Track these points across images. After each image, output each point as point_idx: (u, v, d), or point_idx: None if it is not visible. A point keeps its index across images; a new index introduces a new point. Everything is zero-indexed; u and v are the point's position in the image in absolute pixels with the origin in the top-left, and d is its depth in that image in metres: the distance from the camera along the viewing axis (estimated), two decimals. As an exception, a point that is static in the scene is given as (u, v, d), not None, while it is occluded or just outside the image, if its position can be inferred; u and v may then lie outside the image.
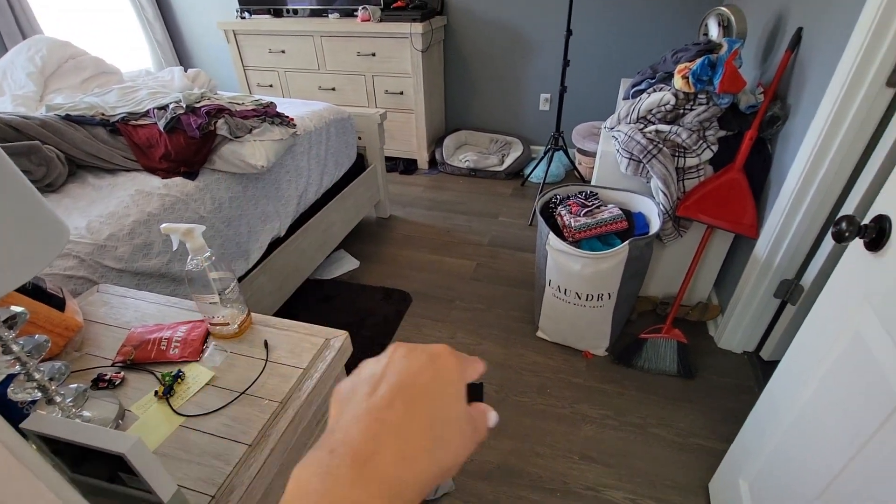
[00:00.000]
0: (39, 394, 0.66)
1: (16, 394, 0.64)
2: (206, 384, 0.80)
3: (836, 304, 0.82)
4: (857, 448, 0.69)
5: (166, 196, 1.40)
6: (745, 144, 1.52)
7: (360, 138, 2.40)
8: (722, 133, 1.60)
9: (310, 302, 2.02)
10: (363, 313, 1.95)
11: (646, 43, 2.73)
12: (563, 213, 1.66)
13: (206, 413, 0.75)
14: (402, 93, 2.98)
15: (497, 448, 1.43)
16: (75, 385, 0.72)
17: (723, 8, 1.73)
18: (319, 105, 2.14)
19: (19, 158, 1.38)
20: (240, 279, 1.61)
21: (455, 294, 2.06)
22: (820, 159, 1.29)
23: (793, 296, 1.52)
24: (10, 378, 0.65)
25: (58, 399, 0.68)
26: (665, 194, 1.59)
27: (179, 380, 0.81)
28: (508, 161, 3.10)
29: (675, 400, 1.58)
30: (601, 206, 1.67)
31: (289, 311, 1.94)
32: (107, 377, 0.81)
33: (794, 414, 0.90)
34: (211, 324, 0.89)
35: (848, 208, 1.29)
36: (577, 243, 1.59)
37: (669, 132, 1.57)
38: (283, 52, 3.10)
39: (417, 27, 2.68)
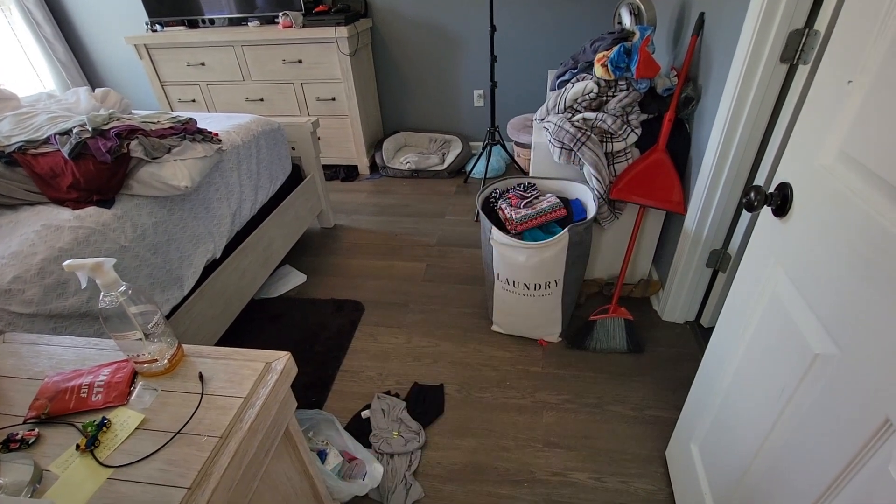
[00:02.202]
0: (-69, 468, 0.58)
1: None
2: (136, 428, 0.74)
3: (754, 268, 0.87)
4: (783, 403, 0.74)
5: (79, 228, 1.29)
6: (666, 126, 1.59)
7: (293, 149, 2.32)
8: (644, 116, 1.67)
9: (257, 323, 1.93)
10: (315, 328, 1.89)
11: (568, 35, 2.82)
12: (503, 206, 1.68)
13: (138, 460, 0.69)
14: (334, 99, 2.92)
15: (463, 447, 1.43)
16: (-22, 452, 0.65)
17: (633, -3, 1.81)
18: (246, 118, 2.05)
19: None
20: (175, 308, 1.51)
21: (408, 298, 2.04)
22: (731, 134, 1.38)
23: (722, 264, 1.62)
24: None
25: (-44, 471, 0.61)
26: (598, 179, 1.64)
27: (105, 428, 0.74)
28: (449, 159, 3.11)
29: (627, 376, 1.64)
30: (539, 196, 1.70)
31: (235, 335, 1.85)
32: (18, 436, 0.73)
33: (730, 376, 0.95)
34: (137, 362, 0.82)
35: (759, 179, 1.39)
36: (519, 235, 1.61)
37: (596, 119, 1.62)
38: (202, 64, 2.95)
39: (342, 31, 2.63)
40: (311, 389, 1.61)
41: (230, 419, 0.75)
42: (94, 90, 2.14)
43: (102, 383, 0.81)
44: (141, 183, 1.45)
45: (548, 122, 1.70)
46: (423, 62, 3.07)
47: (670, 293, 1.80)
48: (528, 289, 1.61)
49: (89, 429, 0.73)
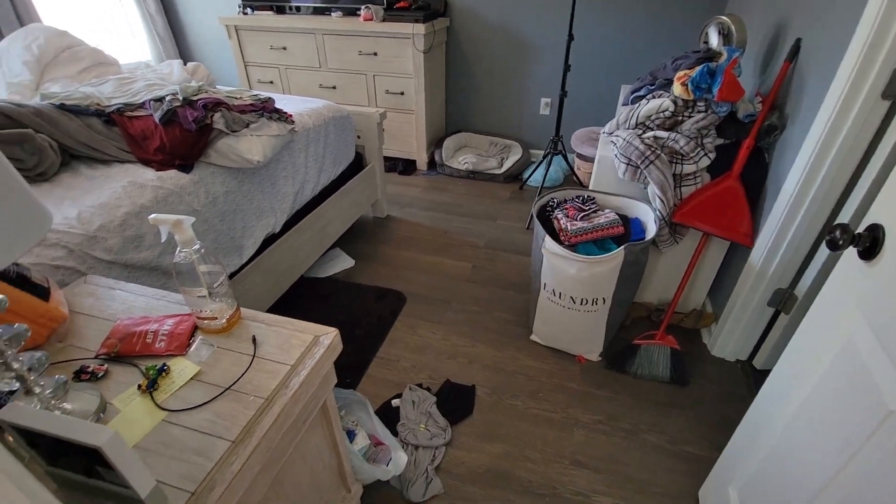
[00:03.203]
0: (17, 384, 0.65)
1: (-6, 383, 0.62)
2: (191, 379, 0.79)
3: (829, 312, 0.81)
4: (847, 457, 0.69)
5: (160, 188, 1.39)
6: (743, 153, 1.51)
7: (359, 137, 2.39)
8: (720, 141, 1.60)
9: (304, 300, 2.00)
10: (358, 313, 1.94)
11: (647, 49, 2.74)
12: (559, 216, 1.65)
13: (190, 408, 0.74)
14: (402, 93, 2.98)
15: (488, 451, 1.42)
16: (56, 376, 0.71)
17: (724, 17, 1.73)
18: (319, 103, 2.13)
19: (11, 147, 1.36)
20: (233, 275, 1.60)
21: (450, 296, 2.05)
22: (816, 169, 1.29)
23: (786, 305, 1.52)
24: (-11, 367, 0.63)
25: (37, 390, 0.67)
26: (662, 200, 1.58)
27: (164, 374, 0.79)
28: (507, 164, 3.10)
29: (667, 406, 1.57)
30: (598, 210, 1.66)
31: (282, 308, 1.93)
32: (89, 369, 0.80)
33: (785, 422, 0.89)
34: (198, 318, 0.88)
35: (843, 218, 1.29)
36: (573, 247, 1.59)
37: (667, 139, 1.57)
38: (284, 48, 3.10)
39: (420, 28, 2.68)
40: (347, 371, 1.65)
41: (277, 384, 0.78)
42: (185, 64, 2.30)
43: (166, 332, 0.87)
44: (219, 153, 1.55)
45: (616, 136, 1.66)
46: (495, 65, 3.08)
47: (724, 328, 1.71)
48: (574, 302, 1.58)
49: (151, 372, 0.78)
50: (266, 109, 1.71)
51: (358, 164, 2.39)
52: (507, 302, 2.02)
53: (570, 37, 2.30)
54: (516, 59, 3.00)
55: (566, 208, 1.68)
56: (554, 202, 1.74)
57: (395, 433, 1.42)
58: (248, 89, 1.81)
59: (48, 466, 0.61)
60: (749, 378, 1.67)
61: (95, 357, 0.83)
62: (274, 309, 1.89)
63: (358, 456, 1.17)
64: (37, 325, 0.83)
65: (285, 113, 1.79)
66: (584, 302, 1.57)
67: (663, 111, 1.60)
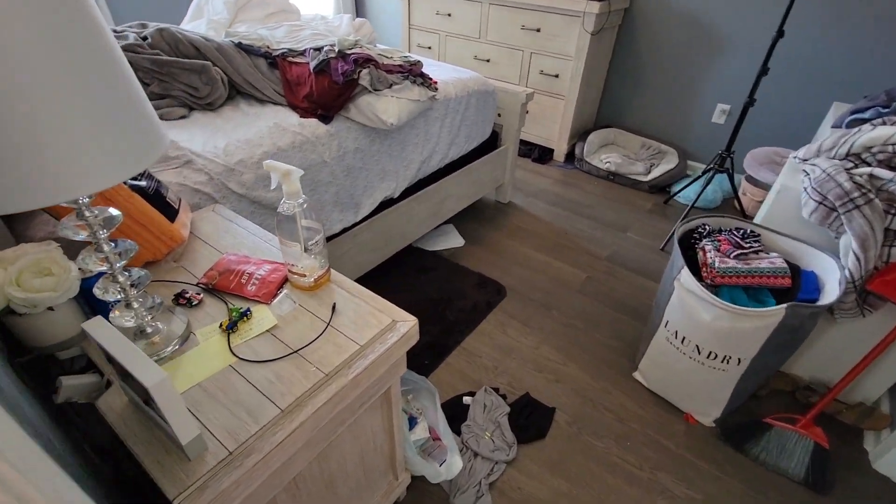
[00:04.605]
0: (121, 296, 0.69)
1: (100, 291, 0.67)
2: (267, 330, 0.79)
3: None
4: None
5: (298, 135, 1.44)
6: None
7: (499, 115, 2.28)
8: (974, 199, 1.16)
9: (405, 268, 2.00)
10: (453, 295, 1.88)
11: (881, 62, 2.14)
12: (708, 247, 1.37)
13: (257, 361, 0.73)
14: (557, 76, 2.77)
15: (551, 485, 1.27)
16: (154, 295, 0.75)
17: None
18: (467, 73, 2.06)
19: (191, 74, 1.52)
20: (345, 230, 1.64)
21: (554, 302, 1.89)
22: None
23: None
24: (100, 276, 0.68)
25: (135, 305, 0.71)
26: (858, 259, 1.22)
27: (245, 318, 0.80)
28: (656, 172, 2.74)
29: (790, 512, 1.25)
30: (760, 251, 1.35)
31: (383, 272, 1.95)
32: (187, 295, 0.84)
33: None
34: (290, 271, 0.87)
35: None
36: (715, 288, 1.31)
37: (890, 181, 1.18)
38: (449, 15, 3.07)
39: (594, 6, 2.43)
40: (427, 352, 1.62)
41: (341, 361, 0.74)
42: (353, 19, 2.39)
43: (259, 278, 0.88)
44: (358, 109, 1.56)
45: (813, 165, 1.30)
46: (670, 58, 2.69)
47: (903, 442, 1.29)
48: (700, 353, 1.32)
49: (234, 314, 0.79)
50: (412, 72, 1.68)
51: (492, 143, 2.28)
52: (617, 326, 1.79)
53: (780, 33, 1.87)
54: (699, 53, 2.58)
55: (719, 240, 1.39)
56: (705, 229, 1.45)
57: (457, 432, 1.35)
58: (401, 50, 1.80)
59: (122, 381, 0.64)
60: (924, 516, 1.26)
61: (196, 284, 0.88)
62: (375, 271, 1.92)
63: (412, 447, 1.12)
64: (158, 242, 0.90)
65: (430, 79, 1.74)
66: (713, 356, 1.30)
67: (894, 143, 1.21)
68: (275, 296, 0.86)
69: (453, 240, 2.19)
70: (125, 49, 1.47)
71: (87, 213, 0.61)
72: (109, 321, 0.70)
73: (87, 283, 0.72)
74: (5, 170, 0.45)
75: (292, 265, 0.86)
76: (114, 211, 0.65)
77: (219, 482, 0.57)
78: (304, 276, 0.86)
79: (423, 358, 1.59)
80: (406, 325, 0.82)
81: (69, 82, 0.47)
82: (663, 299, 1.41)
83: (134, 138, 0.54)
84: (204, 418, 0.64)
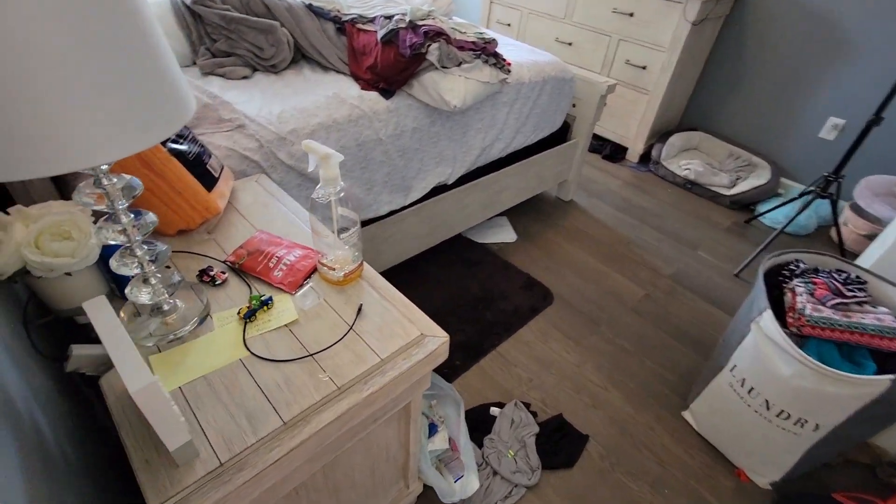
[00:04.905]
0: (138, 270, 0.65)
1: (116, 264, 0.63)
2: (286, 325, 0.73)
3: None
4: None
5: (356, 108, 1.37)
6: None
7: (574, 106, 2.10)
8: None
9: (450, 258, 1.91)
10: (496, 294, 1.77)
11: None
12: (799, 289, 1.18)
13: (269, 359, 0.67)
14: (644, 67, 2.52)
15: (572, 521, 1.17)
16: (175, 273, 0.70)
17: None
18: (545, 57, 1.89)
19: (258, 34, 1.48)
20: (392, 212, 1.56)
21: (604, 318, 1.74)
22: None
23: None
24: (117, 247, 0.64)
25: (153, 281, 0.67)
26: None
27: (266, 307, 0.74)
28: (742, 186, 2.45)
29: None
30: (866, 303, 1.14)
31: (427, 259, 1.87)
32: (212, 273, 0.79)
33: None
34: (320, 262, 0.80)
35: None
36: (801, 339, 1.13)
37: None
38: (534, -10, 2.86)
39: (699, -8, 2.16)
40: (460, 352, 1.53)
41: (357, 374, 0.67)
42: (433, -13, 2.26)
43: (288, 263, 0.82)
44: (421, 86, 1.46)
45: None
46: (780, 58, 2.36)
47: None
48: (769, 410, 1.14)
49: (254, 301, 0.74)
50: (485, 51, 1.55)
51: (561, 135, 2.11)
52: (671, 355, 1.62)
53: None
54: (817, 55, 2.24)
55: (814, 282, 1.19)
56: (798, 266, 1.25)
57: (478, 443, 1.26)
58: (476, 26, 1.66)
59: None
60: None
61: (224, 262, 0.83)
62: (418, 258, 1.84)
63: (428, 459, 1.05)
64: (193, 211, 0.86)
65: (504, 60, 1.60)
66: (785, 416, 1.12)
67: None
68: (300, 286, 0.80)
69: (505, 234, 2.07)
70: (197, 2, 1.45)
71: (104, 182, 0.56)
72: (126, 295, 0.66)
73: (108, 251, 0.68)
74: (4, 134, 0.40)
75: (323, 256, 0.79)
76: (134, 180, 0.60)
77: (202, 498, 0.52)
78: (334, 269, 0.79)
79: (453, 358, 1.51)
80: (435, 341, 0.73)
81: (75, 43, 0.40)
82: (733, 339, 1.24)
83: (152, 107, 0.48)
84: (202, 417, 0.59)
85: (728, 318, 1.79)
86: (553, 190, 2.41)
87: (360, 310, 0.76)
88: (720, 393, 1.28)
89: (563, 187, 2.34)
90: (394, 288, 0.82)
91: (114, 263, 0.62)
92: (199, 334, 0.70)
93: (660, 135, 2.74)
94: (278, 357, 0.68)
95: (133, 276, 0.67)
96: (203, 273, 0.79)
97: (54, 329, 0.75)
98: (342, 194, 0.74)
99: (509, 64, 1.66)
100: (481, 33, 1.58)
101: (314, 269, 0.83)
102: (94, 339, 0.73)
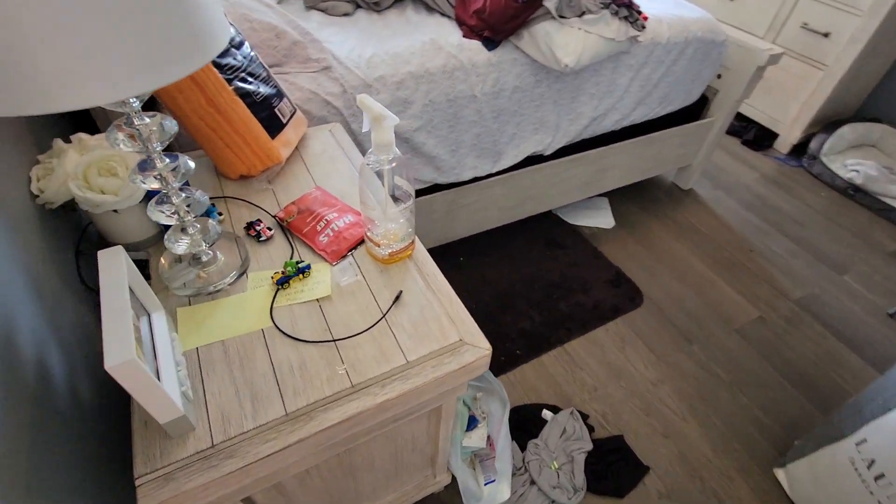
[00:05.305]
0: (175, 218, 0.61)
1: (151, 212, 0.60)
2: (316, 300, 0.66)
3: None
4: None
5: (453, 58, 1.22)
6: None
7: (719, 77, 1.74)
8: None
9: (532, 236, 1.75)
10: (577, 283, 1.60)
11: None
12: None
13: (290, 336, 0.62)
14: (827, 35, 2.00)
15: (609, 556, 1.05)
16: (215, 223, 0.67)
17: None
18: (695, 13, 1.56)
19: (364, -34, 1.37)
20: (476, 179, 1.43)
21: (700, 335, 1.49)
22: None
23: None
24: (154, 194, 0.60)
25: (190, 230, 0.64)
26: None
27: (301, 276, 0.69)
28: (929, 204, 1.91)
29: None
30: None
31: (507, 233, 1.73)
32: (259, 227, 0.75)
33: None
34: (366, 235, 0.72)
35: None
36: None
37: None
38: (698, -72, 2.37)
39: (936, -64, 1.60)
40: (522, 340, 1.41)
41: (376, 374, 0.59)
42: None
43: (336, 229, 0.75)
44: (532, 38, 1.27)
45: None
46: None
47: None
48: (898, 508, 0.89)
49: (289, 268, 0.68)
50: (617, 2, 1.29)
51: (695, 111, 1.78)
52: (776, 397, 1.35)
53: None
54: None
55: None
56: None
57: (521, 445, 1.17)
58: (613, -32, 1.39)
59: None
60: None
61: (274, 217, 0.79)
62: (499, 230, 1.71)
63: (459, 454, 0.98)
64: (255, 157, 0.82)
65: (638, 12, 1.34)
66: (921, 523, 0.86)
67: None
68: (343, 257, 0.73)
69: (602, 218, 1.85)
70: (309, -74, 1.37)
71: (135, 121, 0.52)
72: (164, 241, 0.64)
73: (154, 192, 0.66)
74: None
75: (370, 229, 0.70)
76: (169, 121, 0.55)
77: (187, 478, 0.49)
78: (379, 245, 0.71)
79: (514, 346, 1.40)
80: (475, 352, 0.63)
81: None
82: (873, 406, 0.97)
83: (166, 42, 0.40)
84: (208, 387, 0.56)
85: (867, 369, 1.44)
86: (670, 174, 2.09)
87: (398, 297, 0.68)
88: (834, 465, 1.03)
89: (684, 173, 2.01)
90: (442, 277, 0.71)
91: (150, 209, 0.60)
92: (232, 292, 0.67)
93: (826, 123, 2.21)
94: (300, 336, 0.62)
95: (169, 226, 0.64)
96: (250, 226, 0.75)
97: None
98: (395, 164, 0.64)
99: (645, 18, 1.38)
100: (616, -22, 1.31)
101: (361, 241, 0.75)
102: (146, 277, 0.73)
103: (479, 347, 0.64)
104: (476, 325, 0.66)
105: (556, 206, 1.70)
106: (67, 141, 0.64)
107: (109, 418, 0.66)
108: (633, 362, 1.40)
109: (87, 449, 0.57)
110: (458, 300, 0.68)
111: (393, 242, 0.71)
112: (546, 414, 1.24)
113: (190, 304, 0.65)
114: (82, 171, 0.60)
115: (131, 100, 0.50)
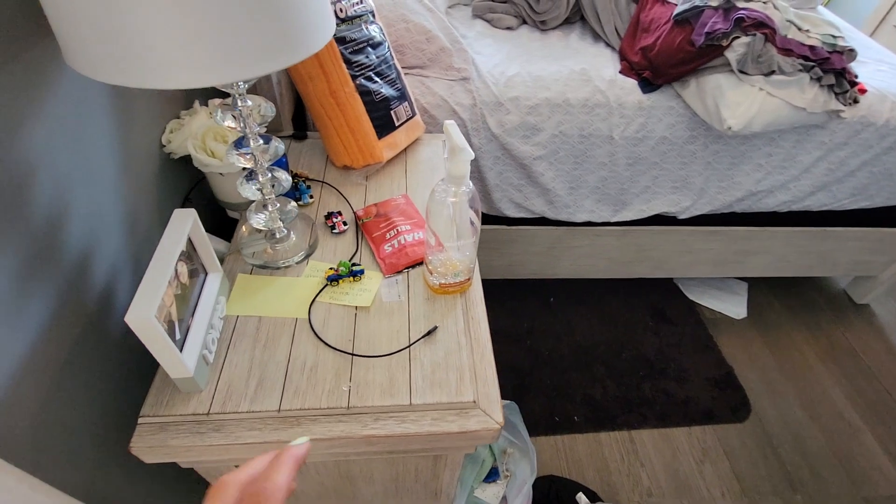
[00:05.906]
0: (259, 195, 0.66)
1: (240, 184, 0.65)
2: (355, 307, 0.67)
3: None
4: None
5: (599, 93, 1.13)
6: None
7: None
8: None
9: (639, 299, 1.56)
10: (673, 369, 1.39)
11: None
12: None
13: (315, 335, 0.63)
14: None
15: None
16: (294, 205, 0.71)
17: None
18: (937, 95, 1.22)
19: (539, -18, 1.33)
20: (590, 223, 1.31)
21: (810, 486, 1.19)
22: None
23: None
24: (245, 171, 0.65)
25: (269, 208, 0.68)
26: None
27: (354, 279, 0.69)
28: None
29: None
30: None
31: (610, 288, 1.57)
32: (337, 219, 0.77)
33: None
34: (426, 259, 0.70)
35: None
36: None
37: None
38: None
39: None
40: (585, 407, 1.27)
41: (372, 405, 0.57)
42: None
43: (403, 242, 0.74)
44: (699, 88, 1.11)
45: None
46: None
47: None
48: None
49: (342, 267, 0.69)
50: (823, 65, 1.06)
51: (892, 214, 1.41)
52: None
53: None
54: None
55: None
56: None
57: (541, 524, 1.06)
58: (834, 25, 1.14)
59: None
60: None
61: (354, 213, 0.81)
62: (600, 282, 1.55)
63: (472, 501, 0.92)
64: (359, 152, 0.85)
65: (853, 83, 1.09)
66: None
67: None
68: (398, 272, 0.72)
69: (732, 305, 1.57)
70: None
71: (239, 102, 0.56)
72: (245, 213, 0.69)
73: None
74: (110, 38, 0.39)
75: (429, 255, 0.68)
76: (267, 105, 0.59)
77: (175, 434, 0.53)
78: (433, 273, 0.68)
79: (575, 410, 1.27)
80: (483, 421, 0.57)
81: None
82: None
83: (261, 35, 0.42)
84: (229, 357, 0.60)
85: None
86: (841, 279, 1.69)
87: (430, 331, 0.65)
88: None
89: (860, 283, 1.61)
90: (486, 326, 0.66)
91: (238, 183, 0.65)
92: (289, 273, 0.70)
93: None
94: (325, 337, 0.63)
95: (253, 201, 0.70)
96: (330, 216, 0.78)
97: (214, 214, 0.86)
98: (467, 197, 0.60)
99: (862, 91, 1.13)
100: (832, 37, 1.08)
101: (421, 261, 0.73)
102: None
103: (491, 418, 0.57)
104: (498, 394, 0.60)
105: (678, 276, 1.49)
106: (205, 104, 0.73)
107: (142, 363, 0.71)
108: (708, 483, 1.18)
109: (111, 380, 0.62)
110: (492, 359, 0.63)
111: (446, 275, 0.68)
112: (581, 499, 1.10)
113: (251, 273, 0.70)
114: (202, 133, 0.68)
115: (239, 83, 0.54)
